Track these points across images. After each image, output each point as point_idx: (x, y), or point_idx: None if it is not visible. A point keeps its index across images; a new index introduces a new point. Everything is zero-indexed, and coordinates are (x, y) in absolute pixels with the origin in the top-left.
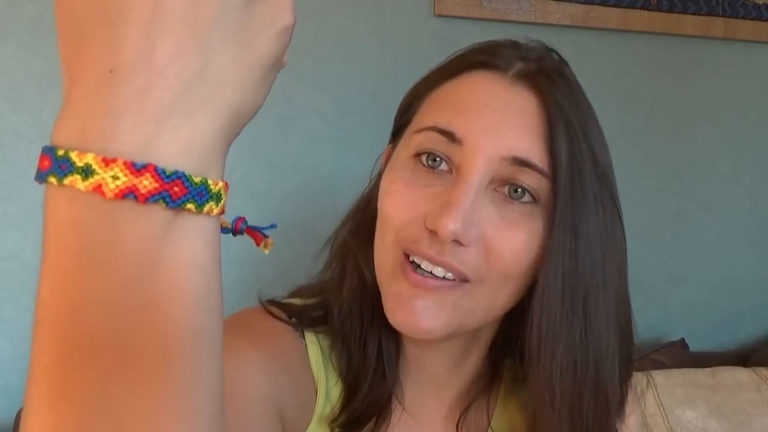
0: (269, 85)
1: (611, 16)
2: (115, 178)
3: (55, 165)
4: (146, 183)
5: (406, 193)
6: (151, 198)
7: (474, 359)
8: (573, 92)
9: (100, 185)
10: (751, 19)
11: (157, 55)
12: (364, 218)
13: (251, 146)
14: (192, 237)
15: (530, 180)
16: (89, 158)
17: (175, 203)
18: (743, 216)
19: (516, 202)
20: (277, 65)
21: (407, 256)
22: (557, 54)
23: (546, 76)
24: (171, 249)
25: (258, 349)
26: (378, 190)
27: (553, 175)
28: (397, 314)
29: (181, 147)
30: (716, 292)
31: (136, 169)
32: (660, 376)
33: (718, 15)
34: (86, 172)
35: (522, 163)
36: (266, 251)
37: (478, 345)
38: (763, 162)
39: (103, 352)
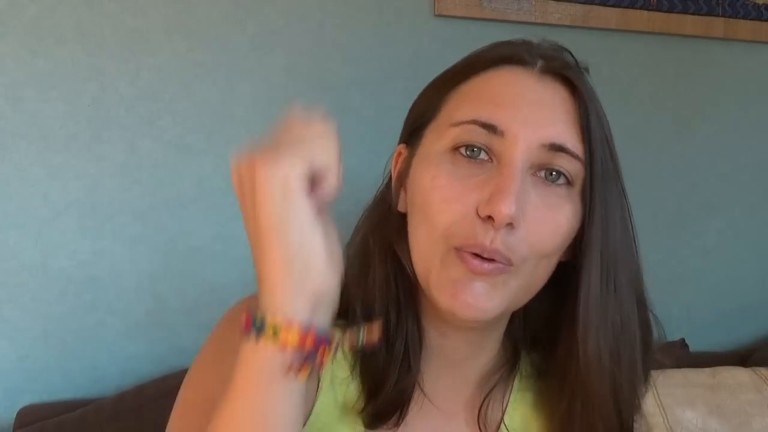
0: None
1: (611, 16)
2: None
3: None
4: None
5: (452, 185)
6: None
7: (490, 348)
8: (592, 86)
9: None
10: (751, 19)
11: (308, 286)
12: (383, 218)
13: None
14: (302, 376)
15: (565, 164)
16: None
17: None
18: (743, 216)
19: (552, 184)
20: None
21: (457, 250)
22: (569, 52)
23: (571, 70)
24: (292, 382)
25: None
26: (392, 191)
27: (587, 159)
28: (458, 297)
29: (325, 323)
30: (716, 292)
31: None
32: (660, 376)
33: (718, 15)
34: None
35: (558, 148)
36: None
37: (494, 334)
38: (763, 162)
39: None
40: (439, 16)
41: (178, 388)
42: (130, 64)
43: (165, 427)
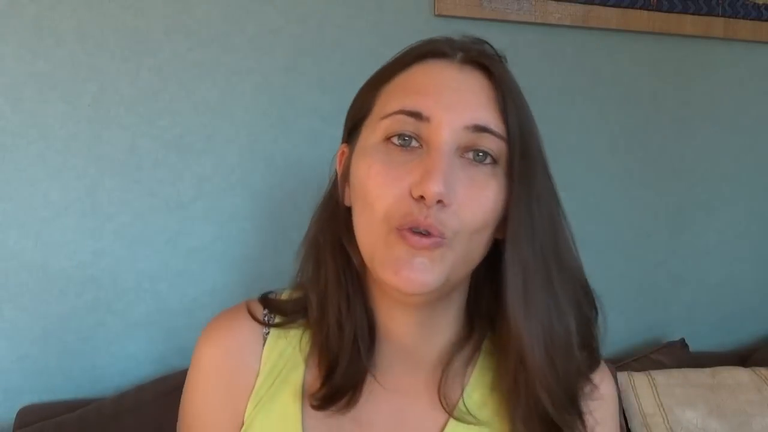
0: None
1: (611, 16)
2: None
3: None
4: None
5: (387, 172)
6: None
7: (444, 329)
8: (511, 73)
9: None
10: (751, 19)
11: None
12: (332, 215)
13: (251, 146)
14: None
15: (489, 143)
16: None
17: None
18: (743, 216)
19: (480, 164)
20: None
21: (398, 230)
22: (489, 44)
23: (489, 58)
24: None
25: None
26: (338, 188)
27: (508, 138)
28: (400, 273)
29: None
30: (716, 292)
31: None
32: (660, 376)
33: (718, 15)
34: None
35: (481, 129)
36: None
37: (443, 315)
38: (763, 162)
39: None
40: (439, 16)
41: (178, 388)
42: (130, 64)
43: (165, 427)
